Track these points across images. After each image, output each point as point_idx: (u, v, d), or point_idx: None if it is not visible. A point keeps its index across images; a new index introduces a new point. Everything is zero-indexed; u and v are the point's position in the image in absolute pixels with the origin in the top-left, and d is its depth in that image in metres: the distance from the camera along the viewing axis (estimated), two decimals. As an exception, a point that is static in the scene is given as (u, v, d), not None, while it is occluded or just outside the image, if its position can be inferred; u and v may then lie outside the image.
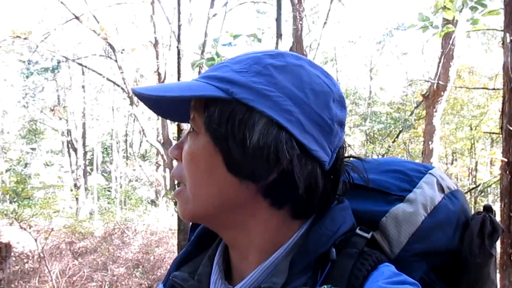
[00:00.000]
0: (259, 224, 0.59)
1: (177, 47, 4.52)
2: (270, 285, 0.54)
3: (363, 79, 21.48)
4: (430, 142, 6.82)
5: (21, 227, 7.44)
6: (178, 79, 4.66)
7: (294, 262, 0.56)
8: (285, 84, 0.56)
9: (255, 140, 0.54)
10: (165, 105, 0.65)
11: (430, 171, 0.67)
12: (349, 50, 21.55)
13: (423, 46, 10.50)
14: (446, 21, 4.16)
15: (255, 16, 19.86)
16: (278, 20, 2.99)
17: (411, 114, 12.71)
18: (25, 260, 7.90)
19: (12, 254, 7.26)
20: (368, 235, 0.59)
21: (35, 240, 6.90)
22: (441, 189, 0.65)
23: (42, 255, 6.86)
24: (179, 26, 4.61)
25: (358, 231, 0.60)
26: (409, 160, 0.74)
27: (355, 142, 18.16)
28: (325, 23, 8.40)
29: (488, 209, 0.67)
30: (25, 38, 11.82)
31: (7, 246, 6.76)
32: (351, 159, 0.65)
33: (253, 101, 0.55)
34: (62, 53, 13.46)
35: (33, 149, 22.92)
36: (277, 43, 2.98)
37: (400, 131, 14.93)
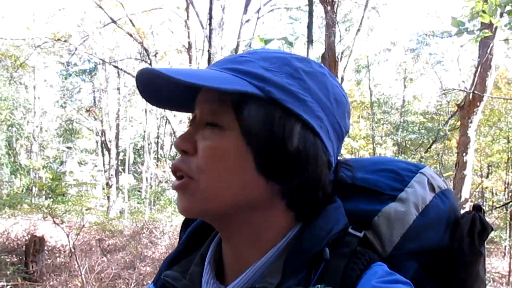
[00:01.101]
0: (269, 224, 0.58)
1: (208, 50, 4.60)
2: (265, 285, 0.54)
3: (396, 88, 21.16)
4: (464, 154, 6.63)
5: (54, 222, 7.68)
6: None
7: (288, 262, 0.56)
8: (316, 90, 0.58)
9: (295, 143, 0.55)
10: (166, 90, 0.61)
11: (421, 170, 0.67)
12: (382, 58, 21.29)
13: (459, 55, 10.25)
14: (483, 27, 4.06)
15: (289, 22, 19.90)
16: (310, 26, 3.00)
17: (445, 125, 12.39)
18: (57, 254, 8.16)
19: (45, 248, 7.51)
20: (361, 234, 0.60)
21: (67, 235, 7.11)
22: (432, 188, 0.66)
23: (73, 250, 7.07)
24: (210, 31, 4.69)
25: (350, 230, 0.60)
26: (400, 159, 0.74)
27: (386, 152, 17.87)
28: (358, 30, 8.31)
29: (477, 208, 0.67)
30: (65, 41, 12.28)
31: (41, 240, 7.01)
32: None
33: (290, 104, 0.55)
34: (99, 56, 13.88)
35: (69, 147, 23.64)
36: (308, 49, 2.99)
37: (433, 142, 14.58)
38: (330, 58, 8.13)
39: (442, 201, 0.66)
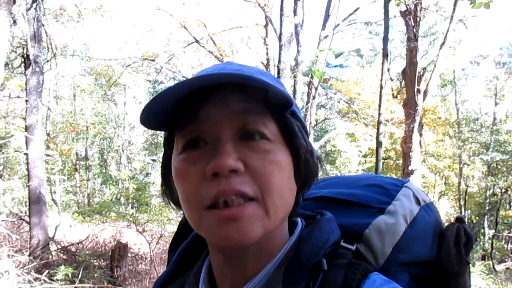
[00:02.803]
0: (281, 235, 0.59)
1: (277, 66, 4.66)
2: None
3: (486, 104, 19.76)
4: None
5: (137, 231, 8.14)
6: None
7: (287, 274, 0.55)
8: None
9: (316, 153, 0.59)
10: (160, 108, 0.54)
11: (405, 184, 0.69)
12: (470, 73, 20.05)
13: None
14: None
15: (368, 37, 19.51)
16: (385, 39, 2.93)
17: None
18: (139, 261, 8.59)
19: (129, 254, 7.95)
20: (353, 247, 0.60)
21: (149, 243, 7.49)
22: (417, 201, 0.67)
23: (153, 258, 7.42)
24: (280, 47, 4.75)
25: (342, 243, 0.60)
26: (384, 176, 0.77)
27: (474, 173, 16.64)
28: (442, 43, 7.93)
29: (460, 220, 0.68)
30: (152, 60, 13.11)
31: (125, 247, 7.42)
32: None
33: (300, 115, 0.60)
34: (183, 74, 14.61)
35: (154, 160, 24.98)
36: (383, 63, 2.92)
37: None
38: (411, 73, 7.85)
39: (428, 214, 0.67)
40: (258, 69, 0.60)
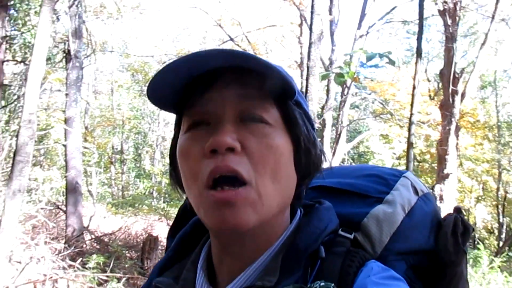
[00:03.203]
0: (279, 224, 0.59)
1: (307, 64, 4.65)
2: (264, 283, 0.54)
3: (530, 108, 18.96)
4: None
5: (168, 224, 8.30)
6: (306, 95, 4.80)
7: (285, 261, 0.56)
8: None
9: (319, 144, 0.60)
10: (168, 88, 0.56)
11: (404, 175, 0.69)
12: (513, 75, 19.28)
13: None
14: None
15: (405, 36, 19.10)
16: (419, 38, 2.88)
17: None
18: (169, 254, 8.73)
19: (159, 247, 8.12)
20: (351, 236, 0.61)
21: (179, 237, 7.62)
22: (416, 191, 0.68)
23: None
24: (310, 44, 4.73)
25: (340, 232, 0.61)
26: (383, 166, 0.76)
27: (514, 178, 16.00)
28: (483, 43, 7.69)
29: (458, 210, 0.68)
30: (187, 57, 13.25)
31: (156, 239, 7.57)
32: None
33: (306, 107, 0.61)
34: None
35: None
36: (416, 62, 2.86)
37: None
38: (448, 74, 7.63)
39: (426, 204, 0.68)
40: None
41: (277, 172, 0.55)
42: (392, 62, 2.30)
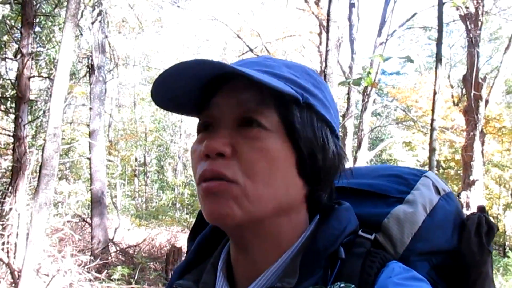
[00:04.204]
0: (292, 227, 0.59)
1: (324, 71, 4.63)
2: (284, 285, 0.54)
3: (558, 112, 18.40)
4: None
5: (191, 235, 8.31)
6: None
7: (304, 262, 0.56)
8: (329, 99, 0.62)
9: (333, 148, 0.59)
10: (176, 88, 0.57)
11: (425, 174, 0.68)
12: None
13: None
14: None
15: (426, 42, 18.89)
16: (439, 43, 2.83)
17: None
18: (192, 266, 8.76)
19: (183, 258, 8.16)
20: (371, 237, 0.60)
21: (201, 248, 7.63)
22: (437, 190, 0.66)
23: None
24: (326, 51, 4.72)
25: (361, 233, 0.60)
26: (403, 166, 0.74)
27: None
28: (507, 48, 7.53)
29: (481, 209, 0.67)
30: (208, 69, 13.40)
31: (179, 251, 7.61)
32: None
33: (323, 110, 0.59)
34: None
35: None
36: (436, 68, 2.82)
37: None
38: (472, 79, 7.48)
39: (448, 203, 0.66)
40: (284, 63, 0.61)
41: (269, 176, 0.55)
42: (411, 61, 2.28)
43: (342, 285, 0.52)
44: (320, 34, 10.92)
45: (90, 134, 7.27)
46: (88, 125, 7.43)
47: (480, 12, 7.53)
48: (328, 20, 4.76)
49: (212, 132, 0.57)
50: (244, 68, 0.53)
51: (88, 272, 5.69)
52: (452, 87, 14.43)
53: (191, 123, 24.76)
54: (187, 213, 15.48)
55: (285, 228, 0.58)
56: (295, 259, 0.57)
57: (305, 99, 0.57)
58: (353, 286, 0.52)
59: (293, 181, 0.57)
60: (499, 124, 14.03)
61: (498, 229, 0.66)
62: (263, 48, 11.57)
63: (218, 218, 0.55)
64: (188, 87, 0.58)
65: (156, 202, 19.21)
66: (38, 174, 4.93)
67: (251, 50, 11.53)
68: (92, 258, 6.38)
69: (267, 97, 0.56)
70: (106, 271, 5.86)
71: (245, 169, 0.54)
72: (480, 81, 7.65)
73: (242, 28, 12.18)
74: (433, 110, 2.63)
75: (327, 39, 4.77)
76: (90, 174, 7.32)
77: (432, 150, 2.57)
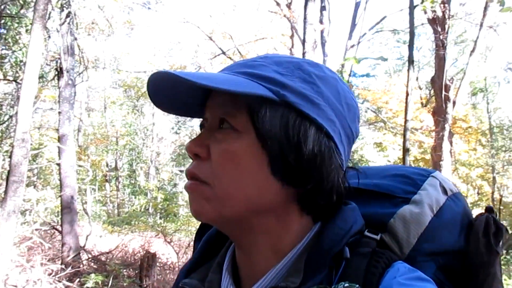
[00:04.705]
0: (284, 228, 0.59)
1: None
2: (288, 284, 0.54)
3: (520, 112, 19.14)
4: None
5: (165, 241, 8.22)
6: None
7: (308, 262, 0.56)
8: (328, 94, 0.58)
9: (311, 147, 0.55)
10: (176, 93, 0.60)
11: (432, 174, 0.67)
12: (503, 79, 19.52)
13: None
14: None
15: (395, 45, 19.31)
16: (411, 46, 2.89)
17: None
18: (167, 271, 8.66)
19: (157, 264, 8.03)
20: (377, 237, 0.59)
21: (177, 253, 7.55)
22: (444, 191, 0.65)
23: (180, 268, 7.46)
24: (303, 54, 4.75)
25: (366, 233, 0.60)
26: (409, 166, 0.73)
27: (508, 183, 16.11)
28: (472, 51, 7.78)
29: (490, 210, 0.66)
30: (180, 72, 13.29)
31: (154, 256, 7.49)
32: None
33: (304, 107, 0.56)
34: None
35: (181, 171, 25.23)
36: (408, 70, 2.87)
37: None
38: (440, 81, 7.69)
39: (455, 203, 0.65)
40: (276, 60, 0.60)
41: (238, 177, 0.56)
42: (384, 60, 2.32)
43: (347, 284, 0.52)
44: (292, 36, 11.00)
45: (59, 139, 7.07)
46: (57, 130, 7.22)
47: (446, 16, 7.74)
48: (304, 23, 4.79)
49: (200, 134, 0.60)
50: (195, 73, 0.55)
51: (59, 282, 5.53)
52: (420, 88, 14.77)
53: (163, 126, 24.51)
54: (160, 218, 15.27)
55: (275, 228, 0.58)
56: (299, 259, 0.57)
57: (282, 97, 0.55)
58: (357, 286, 0.51)
59: (266, 182, 0.56)
60: (465, 124, 14.48)
61: (507, 230, 0.66)
62: (236, 51, 11.56)
63: (196, 215, 0.58)
64: (189, 94, 0.61)
65: (129, 208, 18.89)
66: (5, 181, 4.75)
67: (223, 52, 11.50)
68: (63, 266, 6.20)
69: (240, 99, 0.56)
70: (78, 279, 5.70)
71: (215, 170, 0.56)
72: (448, 82, 7.86)
73: (214, 31, 12.12)
74: (406, 111, 2.67)
75: (304, 41, 4.80)
76: (60, 180, 7.12)
77: (405, 151, 2.61)
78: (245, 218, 0.57)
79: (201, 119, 0.63)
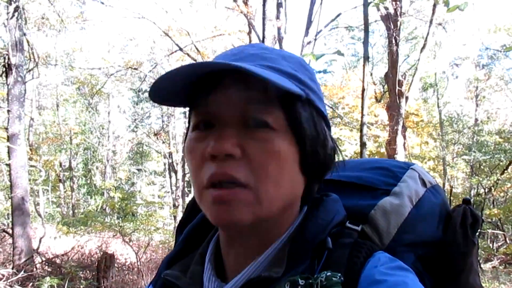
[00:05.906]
0: (286, 220, 0.59)
1: None
2: (271, 274, 0.54)
3: (468, 106, 20.12)
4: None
5: (124, 241, 8.05)
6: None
7: (291, 252, 0.56)
8: (320, 90, 0.62)
9: (331, 143, 0.59)
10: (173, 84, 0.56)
11: (412, 167, 0.70)
12: (451, 75, 20.41)
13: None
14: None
15: (350, 42, 19.76)
16: (365, 42, 2.97)
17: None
18: (126, 272, 8.49)
19: (116, 264, 7.86)
20: (358, 228, 0.61)
21: (135, 253, 7.41)
22: (424, 183, 0.68)
23: (140, 268, 7.33)
24: None
25: (348, 224, 0.61)
26: (390, 159, 0.78)
27: (458, 174, 16.88)
28: (423, 47, 8.07)
29: (467, 202, 0.69)
30: (135, 69, 13.06)
31: (111, 257, 7.32)
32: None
33: (319, 105, 0.59)
34: (167, 81, 14.51)
35: (139, 169, 24.76)
36: (364, 66, 2.95)
37: (510, 163, 13.61)
38: (393, 76, 7.95)
39: (434, 195, 0.68)
40: (281, 54, 0.59)
41: (280, 177, 0.54)
42: (341, 54, 2.38)
43: (329, 273, 0.52)
44: (249, 33, 11.00)
45: (9, 139, 6.77)
46: (6, 129, 6.90)
47: (398, 13, 8.00)
48: (263, 19, 4.80)
49: (217, 132, 0.54)
50: (246, 64, 0.51)
51: (11, 287, 5.30)
52: (374, 84, 15.19)
53: (119, 124, 23.92)
54: (118, 218, 14.92)
55: (281, 220, 0.59)
56: (282, 249, 0.57)
57: (307, 95, 0.57)
58: (339, 274, 0.52)
59: (296, 179, 0.57)
60: (417, 118, 15.02)
61: (483, 221, 0.69)
62: (193, 47, 11.45)
63: (227, 224, 0.55)
64: (182, 82, 0.55)
65: (84, 208, 18.33)
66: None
67: (180, 49, 11.36)
68: (14, 271, 5.95)
69: (272, 95, 0.54)
70: (31, 284, 5.49)
71: (256, 171, 0.53)
72: (401, 78, 8.13)
73: (170, 27, 11.94)
74: (362, 106, 2.75)
75: (263, 37, 4.81)
76: (10, 181, 6.82)
77: (362, 145, 2.69)
78: (273, 217, 0.56)
79: (200, 117, 0.57)
